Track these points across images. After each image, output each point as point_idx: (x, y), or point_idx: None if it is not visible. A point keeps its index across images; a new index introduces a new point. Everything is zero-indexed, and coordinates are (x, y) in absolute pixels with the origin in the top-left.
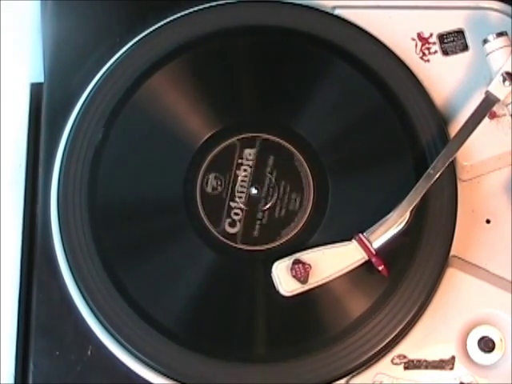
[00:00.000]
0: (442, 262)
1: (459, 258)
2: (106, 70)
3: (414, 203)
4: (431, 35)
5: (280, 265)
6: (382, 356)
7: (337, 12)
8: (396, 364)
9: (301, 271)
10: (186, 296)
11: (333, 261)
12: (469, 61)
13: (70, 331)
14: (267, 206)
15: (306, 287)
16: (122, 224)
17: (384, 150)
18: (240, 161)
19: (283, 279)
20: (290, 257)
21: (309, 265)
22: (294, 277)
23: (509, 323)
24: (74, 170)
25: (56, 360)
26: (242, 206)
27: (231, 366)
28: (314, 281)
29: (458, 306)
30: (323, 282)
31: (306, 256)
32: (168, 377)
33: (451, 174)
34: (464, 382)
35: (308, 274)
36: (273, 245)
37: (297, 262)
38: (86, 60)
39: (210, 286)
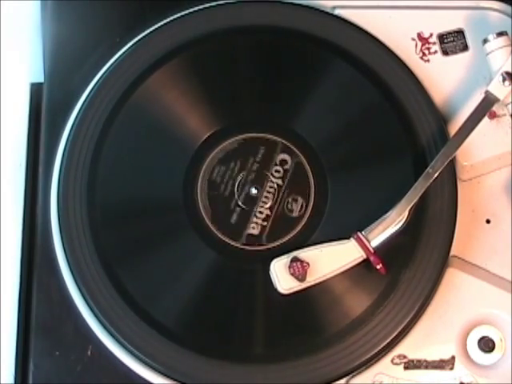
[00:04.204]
0: (441, 261)
1: (459, 258)
2: (106, 69)
3: (413, 202)
4: (431, 35)
5: (278, 262)
6: (382, 356)
7: (337, 12)
8: (396, 364)
9: (299, 269)
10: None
11: (331, 259)
12: (469, 61)
13: (70, 331)
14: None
15: (304, 285)
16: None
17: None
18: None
19: (281, 277)
20: (288, 255)
21: (307, 263)
22: (291, 275)
23: (509, 323)
24: (74, 169)
25: (56, 360)
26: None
27: (231, 366)
28: (312, 279)
29: (458, 306)
30: (321, 280)
31: (304, 254)
32: (168, 377)
33: (451, 173)
34: (464, 381)
35: (306, 272)
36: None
37: (295, 259)
38: (85, 60)
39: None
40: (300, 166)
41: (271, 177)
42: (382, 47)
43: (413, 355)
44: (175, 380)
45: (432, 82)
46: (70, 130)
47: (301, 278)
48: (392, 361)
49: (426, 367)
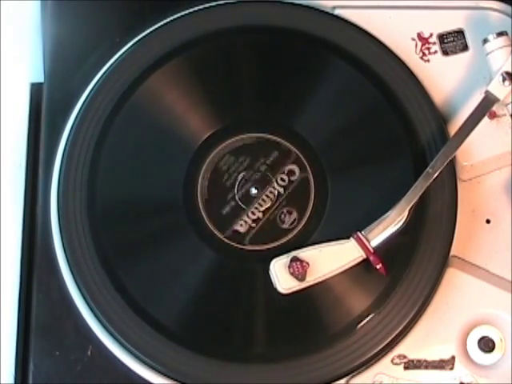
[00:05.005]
0: (441, 262)
1: (459, 258)
2: (106, 69)
3: (413, 202)
4: (431, 35)
5: (278, 262)
6: (382, 356)
7: (337, 12)
8: (396, 364)
9: (298, 269)
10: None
11: (331, 259)
12: (469, 61)
13: (70, 331)
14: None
15: (304, 285)
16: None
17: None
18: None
19: (281, 276)
20: (287, 254)
21: (307, 262)
22: (291, 274)
23: (509, 323)
24: (74, 170)
25: (56, 360)
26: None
27: (231, 366)
28: (312, 278)
29: (458, 306)
30: (321, 279)
31: (303, 254)
32: (168, 377)
33: (451, 173)
34: (464, 382)
35: (306, 272)
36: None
37: (295, 259)
38: (85, 60)
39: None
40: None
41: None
42: (382, 47)
43: (413, 355)
44: (175, 380)
45: (432, 82)
46: (70, 130)
47: (300, 277)
48: (392, 361)
49: (426, 367)
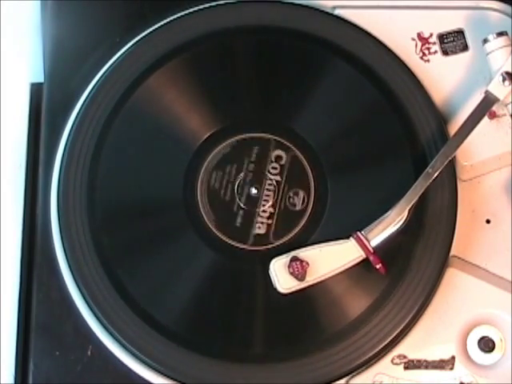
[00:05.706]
0: (441, 261)
1: (459, 258)
2: (106, 69)
3: (413, 202)
4: (431, 35)
5: (278, 262)
6: (382, 356)
7: (337, 12)
8: (396, 364)
9: (298, 268)
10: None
11: (330, 258)
12: (469, 61)
13: (70, 331)
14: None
15: (304, 284)
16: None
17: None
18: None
19: (281, 276)
20: (287, 254)
21: (306, 262)
22: (291, 274)
23: (509, 323)
24: (74, 169)
25: (56, 360)
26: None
27: (231, 366)
28: (312, 278)
29: (458, 306)
30: (321, 279)
31: (303, 253)
32: (168, 377)
33: (451, 173)
34: (464, 381)
35: (305, 272)
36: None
37: (294, 259)
38: (85, 60)
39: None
40: (300, 165)
41: (271, 177)
42: (381, 47)
43: (413, 355)
44: (175, 380)
45: (432, 82)
46: (70, 130)
47: (300, 277)
48: (392, 361)
49: (426, 367)
